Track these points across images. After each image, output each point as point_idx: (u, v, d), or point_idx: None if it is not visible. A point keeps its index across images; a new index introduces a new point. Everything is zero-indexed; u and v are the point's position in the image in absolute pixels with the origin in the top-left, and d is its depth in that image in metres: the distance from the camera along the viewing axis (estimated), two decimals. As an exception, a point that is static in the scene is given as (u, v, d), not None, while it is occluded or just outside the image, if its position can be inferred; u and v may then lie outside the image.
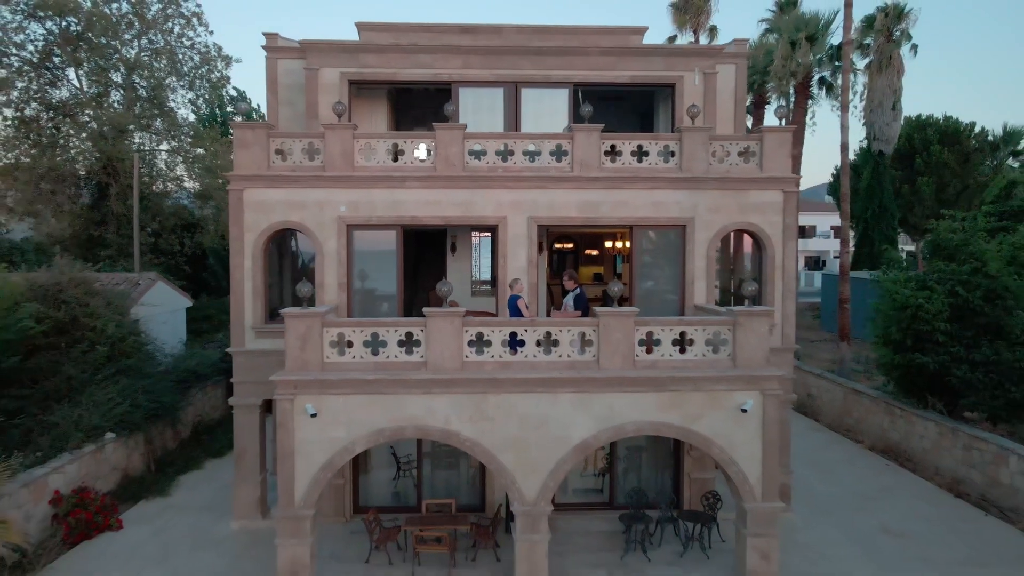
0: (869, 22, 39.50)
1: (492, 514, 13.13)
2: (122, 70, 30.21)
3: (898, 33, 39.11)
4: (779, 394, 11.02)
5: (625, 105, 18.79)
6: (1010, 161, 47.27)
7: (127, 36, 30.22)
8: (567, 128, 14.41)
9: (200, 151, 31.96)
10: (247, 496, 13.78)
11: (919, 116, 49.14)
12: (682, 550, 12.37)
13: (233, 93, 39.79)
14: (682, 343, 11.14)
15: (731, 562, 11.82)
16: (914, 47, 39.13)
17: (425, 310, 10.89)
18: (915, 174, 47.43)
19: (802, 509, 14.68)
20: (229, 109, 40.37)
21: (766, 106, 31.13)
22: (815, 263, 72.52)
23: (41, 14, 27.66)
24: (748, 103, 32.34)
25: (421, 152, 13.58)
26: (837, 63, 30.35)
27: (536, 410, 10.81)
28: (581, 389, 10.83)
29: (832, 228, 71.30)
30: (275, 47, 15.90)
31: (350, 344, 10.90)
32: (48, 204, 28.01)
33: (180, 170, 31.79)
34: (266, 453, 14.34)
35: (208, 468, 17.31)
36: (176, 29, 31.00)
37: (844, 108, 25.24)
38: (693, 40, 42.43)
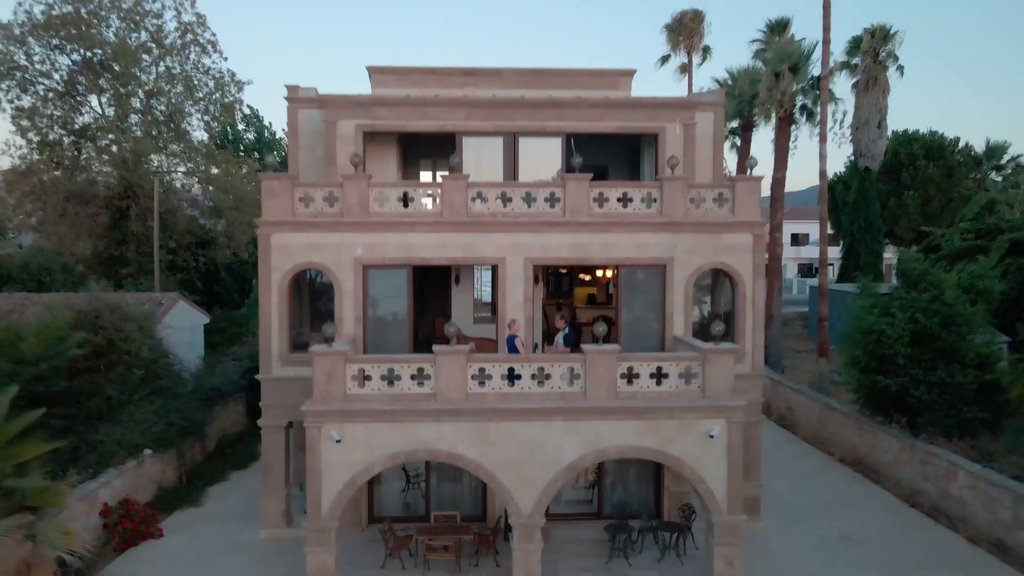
0: (856, 43, 41.10)
1: (493, 524, 14.74)
2: (141, 95, 31.83)
3: (884, 54, 40.72)
4: (742, 421, 12.61)
5: (616, 141, 20.38)
6: (993, 175, 48.86)
7: (146, 62, 31.80)
8: (560, 176, 16.04)
9: (215, 170, 33.59)
10: (273, 507, 15.40)
11: (905, 131, 50.83)
12: (660, 556, 14.00)
13: (247, 110, 41.21)
14: (658, 376, 12.74)
15: (702, 568, 13.43)
16: (900, 68, 40.74)
17: (435, 348, 12.51)
18: (901, 188, 49.09)
19: (772, 518, 16.29)
20: (241, 127, 41.99)
21: (753, 129, 32.65)
22: (808, 270, 74.14)
23: (69, 46, 29.24)
24: (736, 125, 34.00)
25: (428, 202, 15.19)
26: (819, 91, 31.85)
27: (531, 435, 12.43)
28: (570, 417, 12.44)
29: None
30: (296, 98, 17.52)
31: (369, 378, 12.51)
32: (72, 225, 29.61)
33: (196, 190, 33.33)
34: (289, 468, 15.93)
35: (233, 479, 18.94)
36: (192, 56, 32.58)
37: (823, 138, 26.88)
38: (687, 60, 44.09)
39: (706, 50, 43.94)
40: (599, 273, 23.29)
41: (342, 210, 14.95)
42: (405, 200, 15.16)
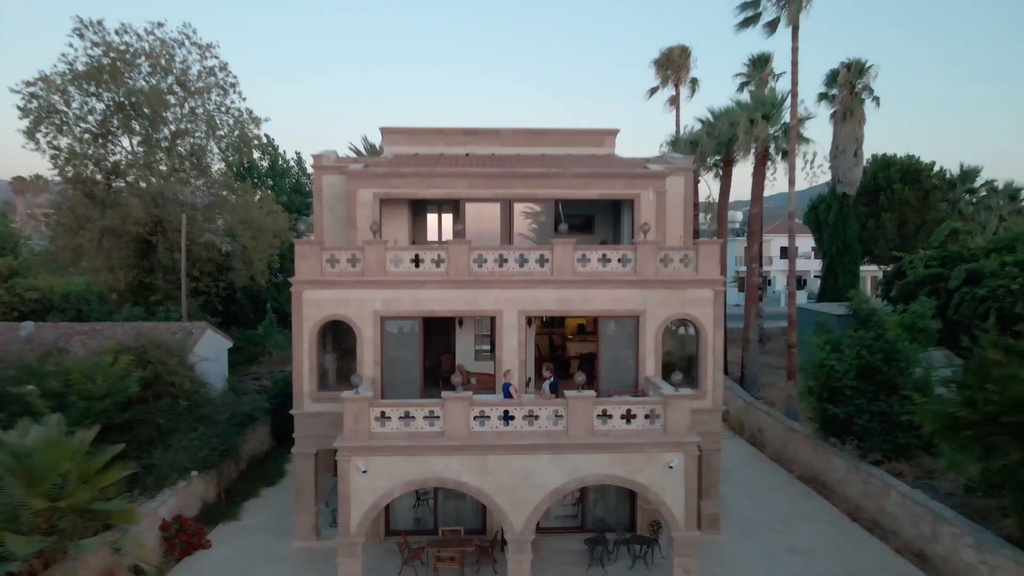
0: (833, 76, 43.89)
1: (491, 538, 17.40)
2: (167, 134, 34.50)
3: (860, 86, 43.47)
4: (695, 454, 15.28)
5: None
6: (967, 197, 51.48)
7: (172, 103, 34.44)
8: (549, 239, 18.71)
9: (233, 198, 36.27)
10: (305, 522, 18.07)
11: (884, 155, 53.55)
12: (631, 564, 16.68)
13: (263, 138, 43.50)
14: (627, 417, 15.40)
15: (666, 574, 16.10)
16: (876, 99, 43.49)
17: (443, 394, 15.18)
18: (880, 209, 51.79)
19: (731, 531, 18.96)
20: (256, 154, 44.53)
21: (734, 165, 35.25)
22: (798, 282, 76.66)
23: (102, 91, 31.91)
24: (719, 158, 36.50)
25: (435, 261, 17.86)
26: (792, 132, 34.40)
27: (522, 466, 15.09)
28: (555, 451, 15.11)
29: (812, 249, 75.60)
30: (321, 166, 20.26)
31: (389, 418, 15.17)
32: (107, 257, 32.28)
33: (219, 222, 35.94)
34: (318, 488, 18.58)
35: (264, 495, 21.62)
36: (215, 97, 35.23)
37: (791, 182, 29.51)
38: (675, 92, 46.76)
39: (694, 82, 46.64)
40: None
41: (363, 270, 17.61)
42: (416, 261, 17.82)
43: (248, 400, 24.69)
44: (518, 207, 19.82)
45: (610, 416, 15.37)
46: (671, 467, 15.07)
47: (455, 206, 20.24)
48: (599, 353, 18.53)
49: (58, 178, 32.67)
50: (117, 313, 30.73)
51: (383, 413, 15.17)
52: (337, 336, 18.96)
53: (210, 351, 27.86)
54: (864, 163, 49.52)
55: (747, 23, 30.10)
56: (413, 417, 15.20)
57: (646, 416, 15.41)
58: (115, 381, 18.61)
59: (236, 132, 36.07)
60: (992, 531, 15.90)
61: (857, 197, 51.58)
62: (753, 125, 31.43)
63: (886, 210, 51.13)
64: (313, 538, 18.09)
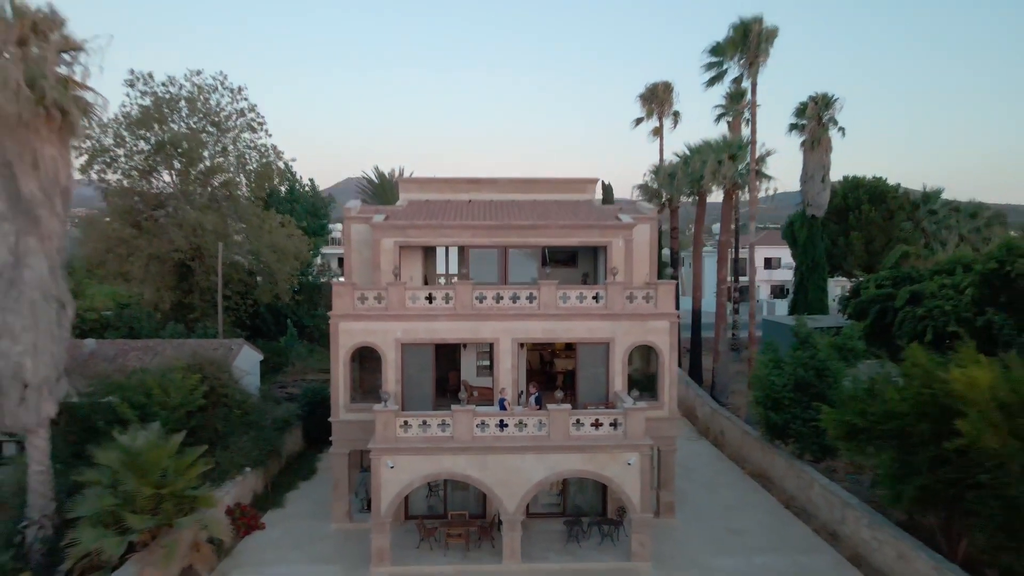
0: (802, 109, 48.30)
1: (490, 520, 21.71)
2: (202, 169, 38.88)
3: (827, 118, 47.91)
4: (648, 456, 19.63)
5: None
6: (929, 217, 55.82)
7: (205, 139, 38.83)
8: (539, 275, 23.07)
9: (256, 219, 40.64)
10: (340, 509, 22.42)
11: (853, 177, 57.96)
12: (600, 541, 20.99)
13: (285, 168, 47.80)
14: (596, 424, 19.74)
15: (627, 549, 20.41)
16: (841, 129, 47.93)
17: (453, 407, 19.53)
18: (849, 228, 56.17)
19: (685, 516, 23.27)
20: (276, 181, 48.86)
21: (707, 199, 39.57)
22: (780, 291, 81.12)
23: (147, 134, 36.29)
24: (696, 192, 40.73)
25: (445, 300, 22.19)
26: (758, 168, 38.75)
27: (514, 463, 19.43)
28: (539, 452, 19.45)
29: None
30: (350, 216, 24.65)
31: (410, 426, 19.51)
32: (153, 281, 36.66)
33: (247, 247, 40.31)
34: (350, 481, 22.89)
35: (302, 488, 25.96)
36: (245, 135, 39.64)
37: (752, 217, 33.87)
38: (658, 124, 51.13)
39: (676, 115, 51.03)
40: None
41: (387, 306, 21.94)
42: (430, 298, 22.15)
43: (284, 408, 29.01)
44: (512, 254, 24.15)
45: (582, 424, 19.73)
46: (629, 464, 19.43)
47: (460, 249, 24.59)
48: (577, 370, 22.87)
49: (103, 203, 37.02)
50: (163, 330, 35.08)
51: (406, 422, 19.54)
52: (364, 358, 23.28)
53: (246, 364, 32.25)
54: (832, 187, 54.03)
55: (713, 81, 34.47)
56: (429, 425, 19.56)
57: (611, 424, 19.77)
58: (185, 394, 22.94)
59: (262, 165, 40.44)
60: (881, 514, 20.23)
61: (829, 216, 56.06)
62: (721, 165, 35.77)
63: (855, 229, 55.50)
64: (347, 521, 22.43)
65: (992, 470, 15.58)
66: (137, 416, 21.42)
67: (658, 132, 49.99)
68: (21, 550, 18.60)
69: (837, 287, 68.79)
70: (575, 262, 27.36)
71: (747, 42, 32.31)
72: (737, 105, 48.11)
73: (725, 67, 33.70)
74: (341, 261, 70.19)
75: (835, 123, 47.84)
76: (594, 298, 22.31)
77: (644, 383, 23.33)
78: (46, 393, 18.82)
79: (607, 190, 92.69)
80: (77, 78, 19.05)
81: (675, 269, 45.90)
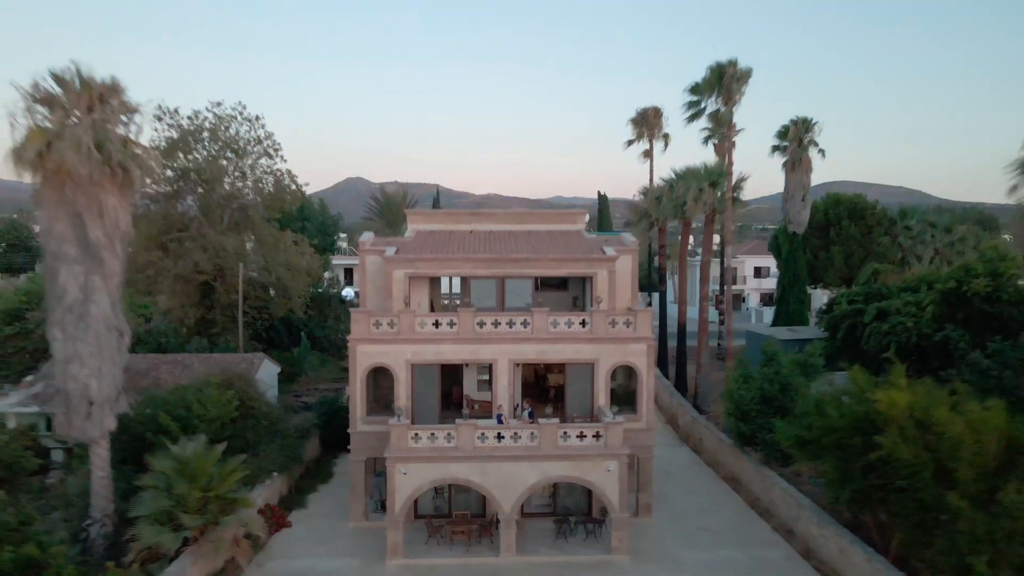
0: (784, 131, 51.38)
1: (489, 519, 24.78)
2: (222, 193, 41.94)
3: (807, 140, 50.98)
4: (625, 463, 22.70)
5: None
6: (905, 232, 58.83)
7: (224, 164, 41.89)
8: (531, 303, 26.16)
9: (272, 239, 43.73)
10: (357, 509, 25.50)
11: (834, 193, 60.98)
12: (585, 537, 24.07)
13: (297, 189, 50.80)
14: (581, 436, 22.82)
15: (608, 544, 23.47)
16: (821, 151, 51.03)
17: (457, 421, 22.61)
18: (830, 243, 59.22)
19: (661, 516, 26.34)
20: (290, 202, 51.91)
21: (692, 226, 42.62)
22: (769, 299, 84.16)
23: (175, 164, 39.38)
24: (679, 220, 43.78)
25: (450, 325, 25.27)
26: (735, 194, 41.78)
27: (510, 469, 22.51)
28: (532, 460, 22.53)
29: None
30: (364, 249, 27.70)
31: (420, 437, 22.59)
32: (179, 299, 39.75)
33: (264, 264, 43.40)
34: (366, 485, 25.95)
35: (321, 490, 29.03)
36: (263, 161, 42.72)
37: (728, 241, 36.91)
38: (648, 147, 54.18)
39: (666, 137, 53.99)
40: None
41: (399, 331, 25.02)
42: (436, 324, 25.23)
43: (303, 417, 32.11)
44: (509, 283, 27.22)
45: (569, 436, 22.84)
46: (609, 470, 22.53)
47: (463, 279, 27.67)
48: (566, 386, 25.98)
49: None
50: (189, 344, 38.15)
51: (416, 434, 22.64)
52: (377, 376, 26.35)
53: (266, 376, 35.39)
54: (814, 203, 57.19)
55: (693, 117, 37.54)
56: (436, 437, 22.66)
57: (593, 436, 22.87)
58: (220, 408, 26.04)
59: (278, 189, 43.54)
60: (828, 514, 23.30)
61: (812, 230, 59.18)
62: (702, 192, 38.85)
63: (835, 243, 58.58)
64: (363, 520, 25.52)
65: (908, 477, 18.64)
66: (179, 428, 24.51)
67: (648, 155, 52.97)
68: (86, 544, 21.66)
69: (824, 296, 71.98)
70: (566, 286, 30.42)
71: (723, 83, 35.39)
72: (722, 128, 51.22)
73: (703, 105, 36.79)
74: (347, 272, 73.44)
75: (815, 144, 50.95)
76: (581, 324, 25.39)
77: (625, 397, 26.45)
78: (108, 410, 21.89)
79: (603, 200, 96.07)
80: (133, 137, 22.14)
81: (662, 284, 48.94)
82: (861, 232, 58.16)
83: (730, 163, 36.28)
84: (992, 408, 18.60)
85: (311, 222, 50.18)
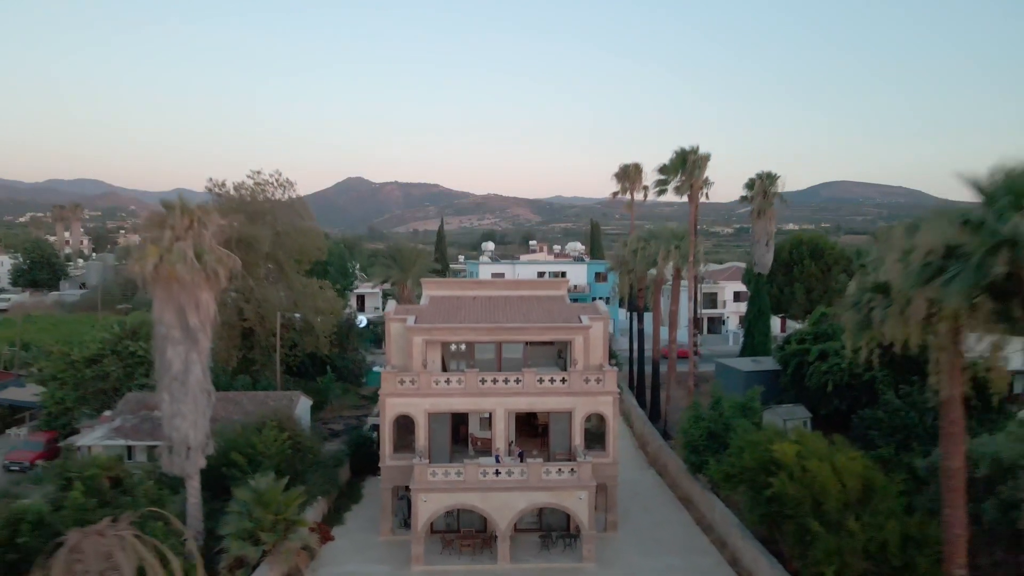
0: (751, 184, 58.46)
1: (489, 534, 31.78)
2: (261, 253, 48.92)
3: (771, 192, 58.06)
4: (593, 492, 29.75)
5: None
6: (861, 270, 65.75)
7: (261, 225, 48.85)
8: (523, 359, 33.23)
9: (301, 285, 50.74)
10: (386, 526, 32.56)
11: (797, 234, 67.99)
12: (563, 549, 31.13)
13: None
14: (559, 471, 29.87)
15: (579, 555, 30.48)
16: (785, 201, 58.14)
17: (465, 461, 29.66)
18: (793, 279, 66.25)
19: (625, 531, 33.35)
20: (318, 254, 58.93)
21: (664, 284, 49.57)
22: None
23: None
24: (653, 271, 50.74)
25: (459, 383, 32.29)
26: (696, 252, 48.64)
27: (505, 497, 29.57)
28: (522, 490, 29.60)
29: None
30: (390, 318, 34.73)
31: (436, 473, 29.65)
32: (225, 342, 46.79)
33: (294, 308, 50.44)
34: (392, 507, 32.94)
35: (354, 509, 36.05)
36: (294, 223, 49.71)
37: (691, 297, 43.90)
38: (629, 197, 61.26)
39: (646, 189, 61.10)
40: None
41: (419, 387, 32.06)
42: (448, 382, 32.27)
43: (336, 447, 39.17)
44: (506, 347, 34.26)
45: (550, 472, 29.90)
46: (580, 498, 29.58)
47: (468, 344, 34.71)
48: (550, 428, 33.04)
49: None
50: (235, 382, 45.15)
51: (434, 471, 29.69)
52: (400, 421, 33.35)
53: (302, 410, 42.43)
54: (777, 246, 64.22)
55: (661, 192, 44.56)
56: (449, 473, 29.72)
57: (569, 471, 29.93)
58: (278, 446, 33.08)
59: (307, 243, 50.58)
60: (751, 531, 30.27)
61: (778, 266, 66.24)
62: (668, 252, 45.87)
63: (797, 280, 65.63)
64: (391, 535, 32.55)
65: (793, 507, 25.66)
66: (247, 463, 31.55)
67: (629, 207, 60.04)
68: (185, 556, 28.66)
69: (796, 325, 78.99)
70: (552, 343, 37.44)
71: (686, 165, 42.39)
72: (694, 180, 58.25)
73: (669, 182, 43.79)
74: (360, 298, 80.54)
75: (779, 196, 58.10)
76: (561, 380, 32.46)
77: (597, 437, 33.51)
78: (200, 452, 28.92)
79: (595, 228, 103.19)
80: (220, 246, 29.15)
81: (638, 323, 55.94)
82: (821, 270, 65.19)
83: (694, 229, 43.23)
84: (854, 457, 25.71)
85: (333, 265, 57.09)
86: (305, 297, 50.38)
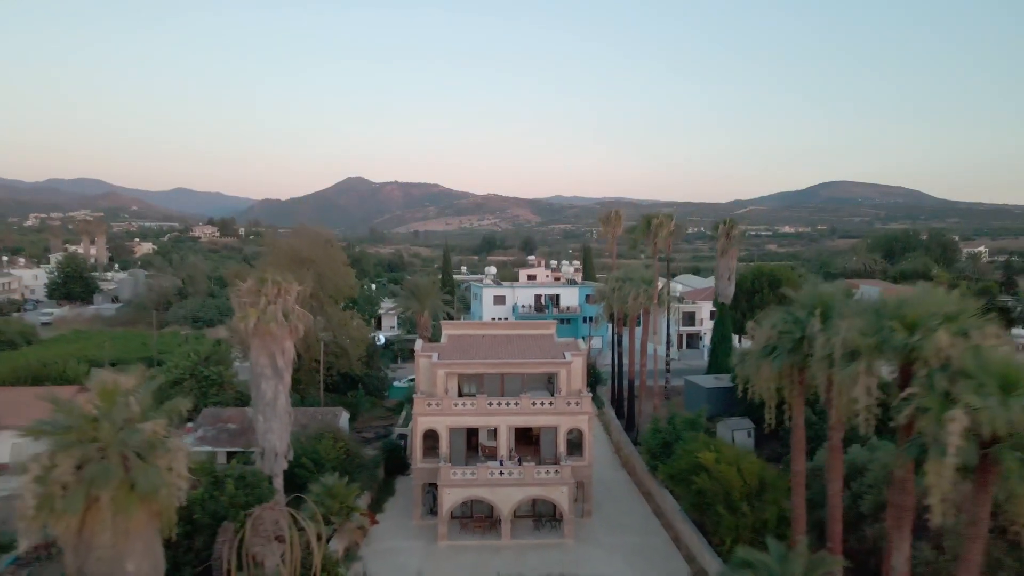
0: (716, 227, 69.15)
1: (495, 518, 42.39)
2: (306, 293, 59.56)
3: (734, 235, 68.72)
4: (572, 487, 40.44)
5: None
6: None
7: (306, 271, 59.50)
8: (521, 389, 43.93)
9: (338, 317, 61.39)
10: (417, 513, 43.22)
11: (759, 266, 78.60)
12: (551, 529, 41.76)
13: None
14: (547, 471, 40.51)
15: (563, 533, 41.08)
16: (744, 241, 68.86)
17: (477, 464, 40.33)
18: (754, 306, 76.85)
19: (597, 517, 43.97)
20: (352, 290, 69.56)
21: (638, 322, 60.18)
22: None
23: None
24: (629, 308, 61.42)
25: (472, 405, 42.96)
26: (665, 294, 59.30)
27: (507, 491, 40.23)
28: (519, 486, 40.26)
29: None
30: (419, 353, 45.46)
31: (456, 473, 40.30)
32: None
33: (331, 336, 61.08)
34: (422, 498, 43.59)
35: (390, 501, 46.71)
36: (332, 267, 60.38)
37: (654, 332, 54.50)
38: (611, 239, 71.86)
39: (624, 231, 71.70)
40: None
41: (442, 408, 42.73)
42: (463, 404, 42.92)
43: (372, 452, 49.88)
44: (507, 377, 44.92)
45: (540, 472, 40.58)
46: (563, 492, 40.26)
47: (479, 375, 45.36)
48: (540, 438, 43.74)
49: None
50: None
51: (454, 472, 40.38)
52: (426, 434, 43.97)
53: (343, 422, 53.15)
54: (740, 276, 74.82)
55: (632, 249, 55.14)
56: (466, 473, 40.40)
57: (555, 472, 40.62)
58: (336, 453, 43.72)
59: (341, 283, 61.24)
60: (690, 516, 40.84)
61: (742, 293, 76.84)
62: (639, 292, 56.49)
63: (757, 307, 76.07)
64: (421, 520, 43.18)
65: (710, 498, 36.24)
66: (314, 465, 42.17)
67: (610, 247, 70.66)
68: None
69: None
70: (543, 373, 48.09)
71: (651, 229, 52.95)
72: (668, 224, 68.95)
73: (638, 242, 54.37)
74: (377, 320, 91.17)
75: (739, 238, 68.79)
76: (549, 404, 43.13)
77: (578, 445, 44.16)
78: (284, 458, 39.54)
79: (587, 252, 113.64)
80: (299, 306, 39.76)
81: (619, 347, 66.59)
82: (777, 299, 75.53)
83: (656, 276, 53.78)
84: (753, 461, 36.37)
85: (363, 297, 67.60)
86: (340, 327, 60.98)
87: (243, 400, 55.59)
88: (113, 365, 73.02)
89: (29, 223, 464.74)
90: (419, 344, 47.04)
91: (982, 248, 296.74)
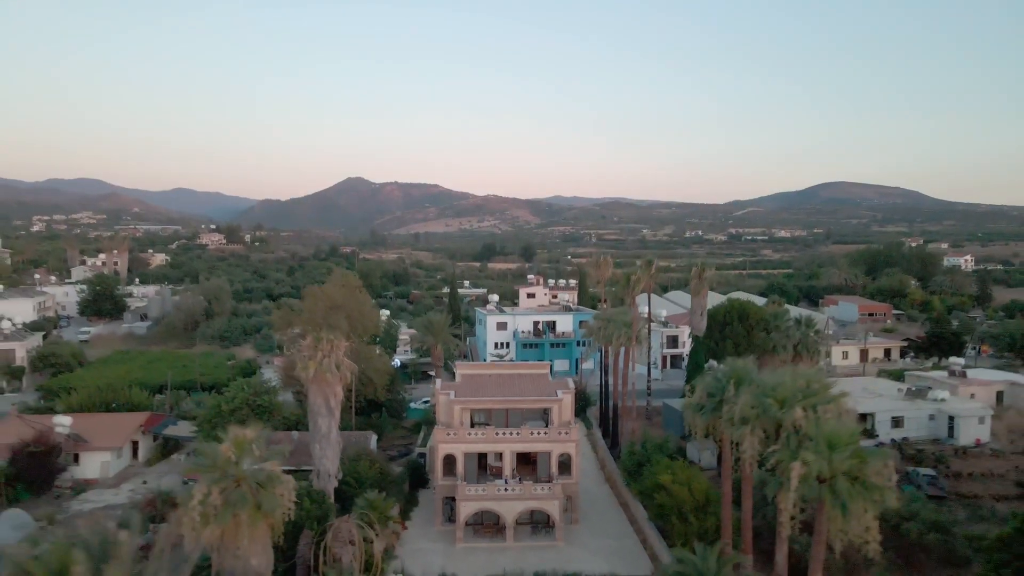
0: (689, 269, 79.89)
1: (501, 524, 53.07)
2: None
3: (706, 277, 79.44)
4: (563, 500, 51.19)
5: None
6: (776, 331, 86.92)
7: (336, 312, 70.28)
8: (522, 421, 54.69)
9: (365, 352, 72.12)
10: (439, 520, 53.94)
11: (730, 300, 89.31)
12: (546, 534, 52.46)
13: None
14: (542, 487, 51.23)
15: (555, 537, 51.76)
16: (713, 285, 79.54)
17: (487, 483, 51.09)
18: (725, 336, 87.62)
19: (584, 524, 54.64)
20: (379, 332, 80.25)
21: (620, 353, 70.86)
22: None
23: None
24: (613, 345, 72.23)
25: (482, 434, 53.70)
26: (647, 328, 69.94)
27: (511, 503, 50.96)
28: (520, 499, 50.99)
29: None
30: (438, 390, 56.27)
31: (471, 490, 51.04)
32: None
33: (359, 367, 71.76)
34: (443, 507, 54.27)
35: (414, 511, 57.41)
36: (359, 308, 71.16)
37: (650, 372, 65.17)
38: (599, 280, 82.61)
39: (611, 274, 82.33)
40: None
41: (458, 437, 53.47)
42: (475, 434, 53.64)
43: (400, 471, 60.64)
44: (510, 411, 55.65)
45: (536, 489, 51.33)
46: (555, 504, 51.01)
47: (488, 409, 56.07)
48: (537, 461, 54.50)
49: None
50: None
51: (469, 488, 51.13)
52: (445, 458, 54.65)
53: (372, 444, 63.95)
54: (713, 308, 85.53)
55: (614, 299, 65.83)
56: (478, 489, 51.14)
57: (548, 488, 51.38)
58: (373, 473, 54.44)
59: (367, 323, 71.93)
60: (656, 523, 51.51)
61: (715, 324, 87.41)
62: (620, 334, 67.15)
63: (728, 337, 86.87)
64: (441, 526, 53.88)
65: (669, 509, 46.90)
66: (357, 484, 52.86)
67: (599, 285, 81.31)
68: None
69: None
70: (540, 408, 58.88)
71: (629, 282, 63.64)
72: (634, 293, 79.35)
73: (620, 293, 64.94)
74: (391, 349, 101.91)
75: (710, 281, 79.48)
76: (544, 433, 53.89)
77: (567, 466, 54.90)
78: (335, 477, 50.21)
79: (582, 276, 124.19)
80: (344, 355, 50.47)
81: (605, 375, 77.22)
82: (746, 330, 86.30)
83: (636, 318, 64.40)
84: (702, 481, 47.12)
85: (385, 334, 78.12)
86: (367, 360, 71.61)
87: (289, 425, 66.35)
88: (165, 389, 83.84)
89: (35, 228, 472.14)
90: (438, 383, 57.72)
91: (967, 258, 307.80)
